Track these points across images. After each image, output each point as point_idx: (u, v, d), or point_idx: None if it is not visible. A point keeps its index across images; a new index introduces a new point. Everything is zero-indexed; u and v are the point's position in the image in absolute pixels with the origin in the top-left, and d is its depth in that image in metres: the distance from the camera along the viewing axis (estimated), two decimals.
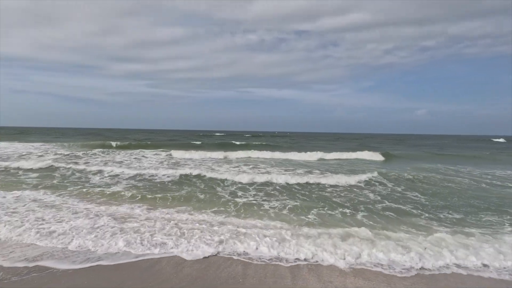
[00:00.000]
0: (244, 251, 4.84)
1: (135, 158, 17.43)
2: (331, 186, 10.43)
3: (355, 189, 9.94)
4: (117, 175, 11.50)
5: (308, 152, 21.80)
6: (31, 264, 4.25)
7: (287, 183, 10.63)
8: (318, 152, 22.15)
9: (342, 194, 9.25)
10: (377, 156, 21.37)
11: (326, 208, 7.63)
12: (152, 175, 11.51)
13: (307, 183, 10.75)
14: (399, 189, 10.08)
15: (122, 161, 15.70)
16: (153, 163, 15.04)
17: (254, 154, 20.93)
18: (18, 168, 12.74)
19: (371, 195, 9.15)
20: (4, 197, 7.92)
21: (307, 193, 9.35)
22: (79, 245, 4.95)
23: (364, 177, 11.59)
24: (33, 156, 17.85)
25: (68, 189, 9.14)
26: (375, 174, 12.23)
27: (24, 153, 19.41)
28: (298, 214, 7.11)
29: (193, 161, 16.91)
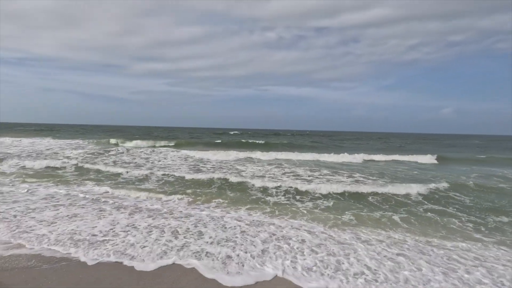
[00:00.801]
0: None
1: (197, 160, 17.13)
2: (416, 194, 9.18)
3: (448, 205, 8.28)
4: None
5: (345, 154, 19.87)
6: None
7: (358, 192, 9.29)
8: (360, 153, 20.22)
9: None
10: (429, 159, 19.45)
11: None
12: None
13: (378, 193, 9.27)
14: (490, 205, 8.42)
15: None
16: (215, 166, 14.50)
17: (282, 155, 19.68)
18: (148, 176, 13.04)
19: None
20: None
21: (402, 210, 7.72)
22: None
23: (432, 186, 10.15)
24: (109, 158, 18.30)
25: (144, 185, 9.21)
26: (444, 184, 10.59)
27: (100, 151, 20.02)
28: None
29: (229, 163, 15.81)
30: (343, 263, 4.50)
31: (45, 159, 15.17)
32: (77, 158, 16.15)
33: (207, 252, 4.81)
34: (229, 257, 4.65)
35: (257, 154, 19.06)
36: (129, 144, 27.15)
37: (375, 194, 9.27)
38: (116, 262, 4.42)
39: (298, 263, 4.43)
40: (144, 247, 4.99)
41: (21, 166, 12.56)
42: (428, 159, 19.63)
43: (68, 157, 16.28)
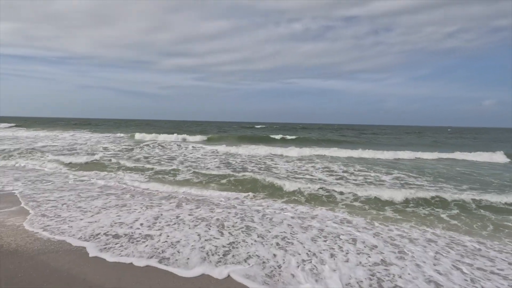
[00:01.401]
0: None
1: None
2: None
3: None
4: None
5: (385, 151, 17.78)
6: None
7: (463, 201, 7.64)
8: (409, 151, 18.13)
9: None
10: (500, 158, 16.72)
11: None
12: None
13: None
14: None
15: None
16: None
17: (319, 151, 17.97)
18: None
19: None
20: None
21: None
22: None
23: None
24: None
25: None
26: None
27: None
28: None
29: (263, 158, 15.20)
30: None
31: (88, 152, 16.16)
32: (115, 151, 17.05)
33: (257, 257, 4.48)
34: (278, 266, 4.22)
35: (293, 152, 17.40)
36: (163, 138, 28.07)
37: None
38: (150, 265, 4.17)
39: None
40: (186, 245, 4.81)
41: (69, 159, 13.47)
42: (499, 157, 16.80)
43: (107, 149, 17.24)
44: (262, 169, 12.32)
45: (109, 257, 4.37)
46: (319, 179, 10.44)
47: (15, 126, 48.23)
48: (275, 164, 13.78)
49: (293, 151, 17.45)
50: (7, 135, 29.32)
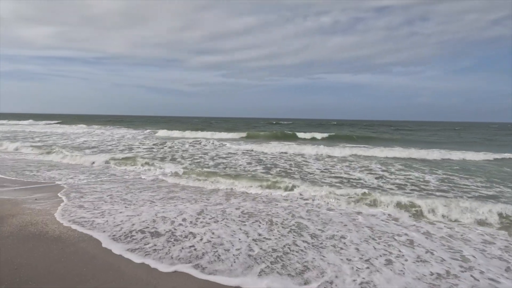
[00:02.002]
0: None
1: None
2: None
3: None
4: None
5: (442, 151, 16.27)
6: None
7: None
8: (458, 151, 16.53)
9: None
10: None
11: None
12: None
13: None
14: None
15: None
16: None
17: (354, 150, 16.52)
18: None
19: None
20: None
21: None
22: None
23: None
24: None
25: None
26: None
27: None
28: None
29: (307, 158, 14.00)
30: None
31: (128, 147, 16.89)
32: (149, 146, 17.70)
33: (314, 266, 4.04)
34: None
35: (336, 151, 16.00)
36: (194, 135, 28.57)
37: None
38: (180, 270, 3.88)
39: None
40: (229, 249, 4.49)
41: (111, 154, 14.16)
42: None
43: (143, 145, 17.93)
44: (294, 168, 11.66)
45: (136, 258, 4.20)
46: (359, 180, 9.60)
47: (58, 123, 51.71)
48: (306, 162, 13.38)
49: (335, 151, 15.99)
50: (55, 131, 31.52)
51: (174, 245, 4.60)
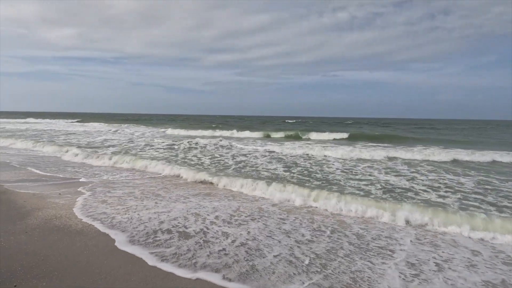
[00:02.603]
0: None
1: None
2: None
3: None
4: None
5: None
6: None
7: None
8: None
9: None
10: None
11: None
12: None
13: None
14: None
15: None
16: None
17: (378, 151, 14.72)
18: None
19: None
20: None
21: None
22: None
23: None
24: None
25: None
26: None
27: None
28: None
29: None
30: None
31: (165, 149, 17.25)
32: (167, 145, 18.02)
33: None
34: None
35: (378, 153, 14.15)
36: (216, 134, 27.98)
37: None
38: (204, 278, 3.61)
39: None
40: (267, 254, 4.20)
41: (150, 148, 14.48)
42: None
43: (164, 144, 18.29)
44: (342, 177, 9.72)
45: (152, 259, 4.03)
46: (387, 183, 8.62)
47: (78, 121, 53.37)
48: (329, 163, 11.86)
49: (379, 154, 14.00)
50: (77, 129, 32.66)
51: (201, 248, 4.42)
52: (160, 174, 9.91)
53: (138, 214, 5.81)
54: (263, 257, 4.18)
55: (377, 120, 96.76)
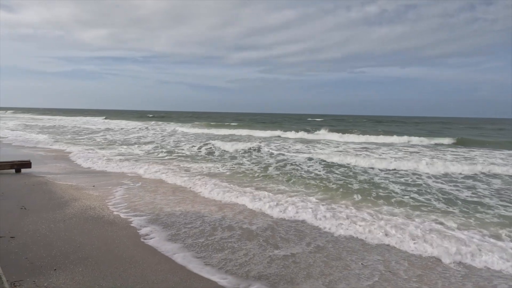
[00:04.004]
0: None
1: None
2: None
3: None
4: None
5: None
6: None
7: None
8: None
9: None
10: None
11: None
12: None
13: None
14: None
15: None
16: None
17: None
18: None
19: None
20: None
21: None
22: None
23: None
24: None
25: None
26: None
27: None
28: None
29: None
30: None
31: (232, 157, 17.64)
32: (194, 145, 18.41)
33: None
34: None
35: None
36: (274, 133, 24.60)
37: None
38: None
39: None
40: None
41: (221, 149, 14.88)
42: None
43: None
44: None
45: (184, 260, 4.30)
46: None
47: (106, 118, 55.07)
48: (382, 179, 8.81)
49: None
50: (111, 127, 34.30)
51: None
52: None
53: (164, 210, 6.03)
54: None
55: (421, 119, 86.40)
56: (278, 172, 9.67)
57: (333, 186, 8.04)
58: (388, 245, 4.62)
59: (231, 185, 7.73)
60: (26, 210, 5.53)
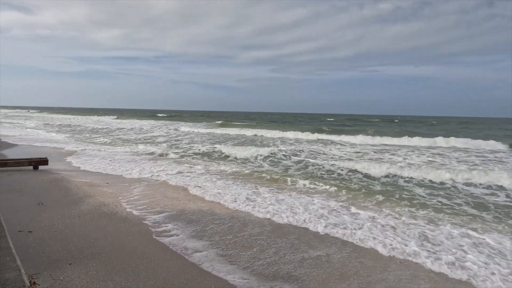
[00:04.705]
0: None
1: None
2: None
3: None
4: None
5: None
6: None
7: None
8: None
9: None
10: None
11: None
12: None
13: None
14: None
15: None
16: None
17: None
18: None
19: None
20: None
21: None
22: None
23: None
24: None
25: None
26: None
27: None
28: None
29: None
30: None
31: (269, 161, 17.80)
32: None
33: None
34: None
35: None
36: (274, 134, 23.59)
37: None
38: None
39: None
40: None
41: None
42: None
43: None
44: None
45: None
46: None
47: (117, 118, 55.52)
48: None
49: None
50: (125, 126, 34.94)
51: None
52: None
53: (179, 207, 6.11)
54: None
55: (436, 119, 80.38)
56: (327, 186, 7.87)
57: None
58: None
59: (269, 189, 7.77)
60: (43, 206, 5.70)
